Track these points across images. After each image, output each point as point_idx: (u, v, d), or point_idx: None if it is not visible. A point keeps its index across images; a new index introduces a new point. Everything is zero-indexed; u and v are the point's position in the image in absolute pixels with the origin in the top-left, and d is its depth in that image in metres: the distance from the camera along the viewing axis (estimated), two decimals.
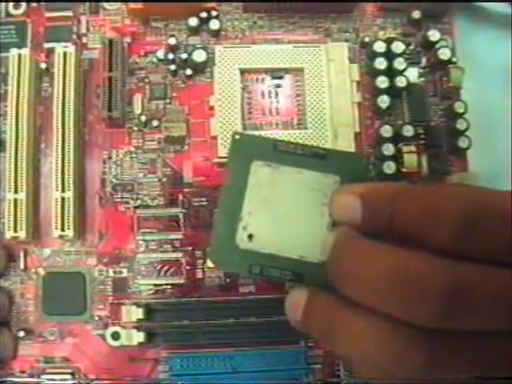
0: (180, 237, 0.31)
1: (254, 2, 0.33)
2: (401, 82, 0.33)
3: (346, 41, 0.34)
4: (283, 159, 0.24)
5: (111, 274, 0.31)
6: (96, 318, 0.31)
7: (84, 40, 0.33)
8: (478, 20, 0.35)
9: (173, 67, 0.33)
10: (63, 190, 0.30)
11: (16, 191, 0.30)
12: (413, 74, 0.34)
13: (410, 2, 0.33)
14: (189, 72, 0.33)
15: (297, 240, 0.23)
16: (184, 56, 0.33)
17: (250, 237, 0.23)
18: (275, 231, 0.23)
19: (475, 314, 0.21)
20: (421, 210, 0.22)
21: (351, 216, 0.22)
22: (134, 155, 0.32)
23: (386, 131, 0.32)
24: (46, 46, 0.33)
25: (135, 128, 0.32)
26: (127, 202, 0.32)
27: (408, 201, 0.22)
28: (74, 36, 0.33)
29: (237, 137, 0.24)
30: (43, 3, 0.33)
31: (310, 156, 0.24)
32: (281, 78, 0.33)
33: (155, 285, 0.31)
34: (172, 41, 0.33)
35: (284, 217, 0.24)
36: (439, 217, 0.21)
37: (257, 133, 0.32)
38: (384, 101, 0.32)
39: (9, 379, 0.30)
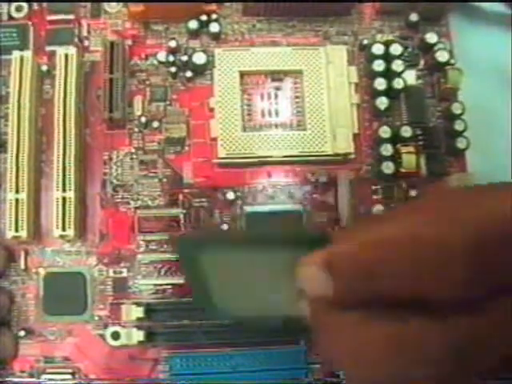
0: None
1: (254, 1, 0.33)
2: (398, 83, 0.33)
3: (345, 44, 0.34)
4: (234, 247, 0.23)
5: (111, 273, 0.31)
6: (96, 318, 0.31)
7: (85, 43, 0.33)
8: (477, 19, 0.35)
9: (173, 69, 0.33)
10: (64, 190, 0.30)
11: (17, 191, 0.30)
12: (411, 75, 0.34)
13: (409, 1, 0.34)
14: (189, 74, 0.33)
15: (271, 301, 0.23)
16: (184, 58, 0.33)
17: (226, 307, 0.23)
18: (250, 300, 0.23)
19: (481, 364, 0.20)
20: (408, 262, 0.19)
21: (321, 289, 0.20)
22: (134, 156, 0.33)
23: (385, 132, 0.32)
24: (48, 48, 0.33)
25: (136, 129, 0.33)
26: (128, 203, 0.32)
27: (386, 255, 0.19)
28: (76, 39, 0.33)
29: (181, 240, 0.25)
30: (45, 5, 0.33)
31: (262, 241, 0.23)
32: (280, 80, 0.34)
33: (155, 285, 0.31)
34: (172, 43, 0.33)
35: (255, 288, 0.23)
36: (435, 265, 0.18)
37: (257, 134, 0.32)
38: (382, 102, 0.33)
39: (9, 379, 0.30)
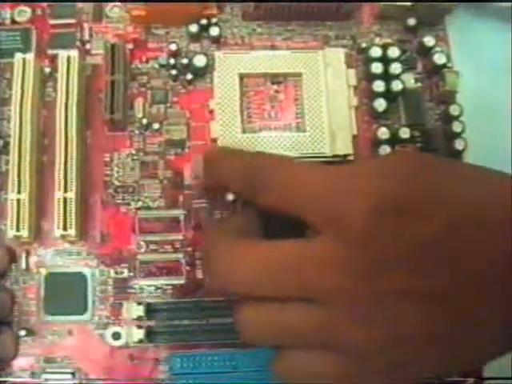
0: (180, 238, 0.32)
1: (254, 1, 0.33)
2: (397, 85, 0.33)
3: (343, 47, 0.35)
4: None
5: (112, 274, 0.31)
6: (97, 318, 0.31)
7: (87, 46, 0.34)
8: (475, 21, 0.35)
9: (174, 72, 0.33)
10: (66, 191, 0.30)
11: (19, 191, 0.30)
12: (409, 79, 0.34)
13: (410, 1, 0.34)
14: (189, 77, 0.33)
15: None
16: (185, 61, 0.33)
17: None
18: None
19: None
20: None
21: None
22: (135, 158, 0.33)
23: (383, 133, 0.33)
24: (50, 52, 0.33)
25: (137, 131, 0.33)
26: (129, 204, 0.32)
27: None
28: (78, 43, 0.34)
29: None
30: (47, 10, 0.34)
31: None
32: (279, 82, 0.34)
33: (156, 285, 0.31)
34: (173, 47, 0.33)
35: None
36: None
37: (256, 135, 0.32)
38: (381, 104, 0.33)
39: (9, 379, 0.30)
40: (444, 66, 0.34)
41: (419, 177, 0.23)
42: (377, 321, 0.22)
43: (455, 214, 0.21)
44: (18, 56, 0.32)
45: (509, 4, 0.35)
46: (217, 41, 0.34)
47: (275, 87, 0.34)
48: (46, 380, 0.30)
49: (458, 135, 0.33)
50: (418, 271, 0.21)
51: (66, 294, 0.31)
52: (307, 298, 0.23)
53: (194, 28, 0.34)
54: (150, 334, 0.30)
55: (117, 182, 0.32)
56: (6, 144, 0.32)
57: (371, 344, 0.22)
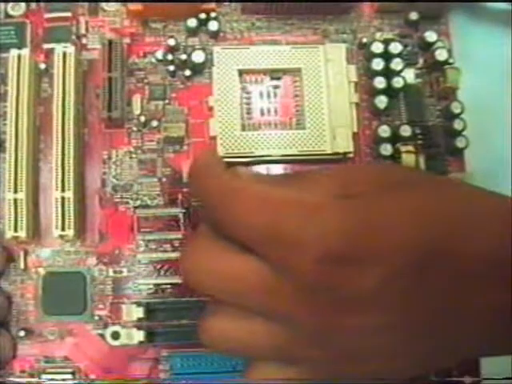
0: (179, 236, 0.32)
1: (254, 1, 0.33)
2: (398, 82, 0.33)
3: (344, 42, 0.34)
4: None
5: (111, 273, 0.31)
6: (96, 318, 0.31)
7: (83, 41, 0.33)
8: (477, 17, 0.35)
9: (172, 68, 0.33)
10: (63, 190, 0.30)
11: (16, 191, 0.30)
12: (409, 74, 0.34)
13: (409, 1, 0.34)
14: (188, 73, 0.33)
15: None
16: (183, 57, 0.33)
17: None
18: None
19: None
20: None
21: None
22: (133, 155, 0.32)
23: (384, 131, 0.32)
24: (46, 46, 0.33)
25: (134, 128, 0.33)
26: (127, 202, 0.32)
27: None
28: (73, 37, 0.33)
29: None
30: (42, 4, 0.33)
31: None
32: (279, 78, 0.33)
33: (155, 284, 0.31)
34: (171, 42, 0.33)
35: None
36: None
37: (256, 133, 0.32)
38: (382, 101, 0.33)
39: (9, 379, 0.30)
40: (445, 61, 0.33)
41: (374, 213, 0.22)
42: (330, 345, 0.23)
43: (401, 262, 0.21)
44: (14, 52, 0.31)
45: (507, 7, 0.35)
46: (215, 35, 0.34)
47: (275, 83, 0.33)
48: (46, 380, 0.30)
49: (459, 133, 0.33)
50: (364, 313, 0.22)
51: (64, 293, 0.31)
52: (263, 312, 0.24)
53: (192, 23, 0.33)
54: (150, 334, 0.30)
55: (115, 181, 0.32)
56: (2, 142, 0.31)
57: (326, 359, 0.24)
